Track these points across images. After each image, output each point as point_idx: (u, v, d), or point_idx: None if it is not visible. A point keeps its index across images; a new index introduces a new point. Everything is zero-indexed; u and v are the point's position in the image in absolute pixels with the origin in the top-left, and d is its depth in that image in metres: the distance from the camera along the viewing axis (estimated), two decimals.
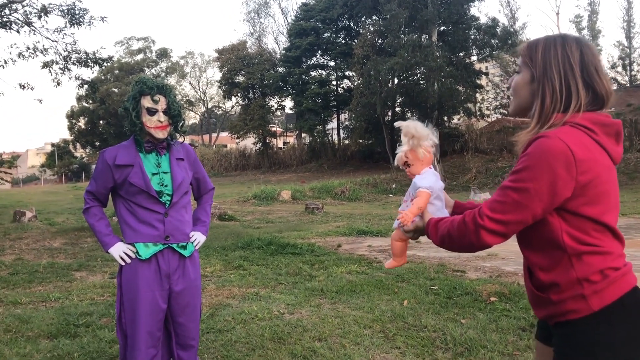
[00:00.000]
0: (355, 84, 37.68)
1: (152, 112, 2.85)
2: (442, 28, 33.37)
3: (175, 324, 2.96)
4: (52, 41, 13.79)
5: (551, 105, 1.54)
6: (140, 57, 56.42)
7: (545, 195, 1.45)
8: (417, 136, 1.90)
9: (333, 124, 45.23)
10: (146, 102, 2.85)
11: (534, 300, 1.63)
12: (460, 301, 5.03)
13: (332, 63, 42.28)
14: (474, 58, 35.84)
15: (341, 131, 43.36)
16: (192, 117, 69.66)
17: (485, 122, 37.39)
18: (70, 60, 13.74)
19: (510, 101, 1.71)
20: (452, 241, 1.63)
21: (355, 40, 36.50)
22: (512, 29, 35.07)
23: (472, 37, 33.45)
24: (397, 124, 1.94)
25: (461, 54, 34.20)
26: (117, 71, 52.38)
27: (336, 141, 43.82)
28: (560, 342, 1.55)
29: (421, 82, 33.06)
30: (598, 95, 1.53)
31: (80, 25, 13.45)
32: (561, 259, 1.51)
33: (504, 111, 38.89)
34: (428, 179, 1.89)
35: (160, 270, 2.85)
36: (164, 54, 57.09)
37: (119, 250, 2.87)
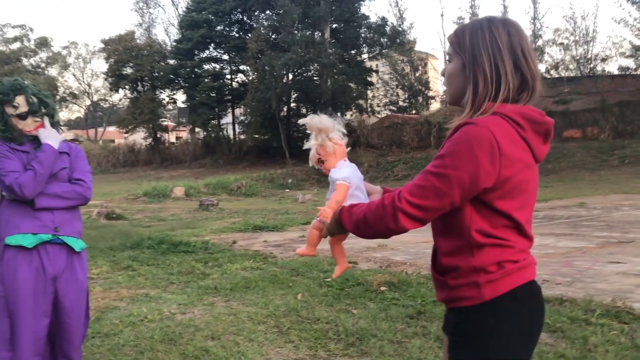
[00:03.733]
0: (250, 78, 37.45)
1: (22, 116, 2.71)
2: (334, 25, 34.08)
3: (61, 329, 2.78)
4: None
5: (484, 91, 1.49)
6: (16, 45, 52.42)
7: (466, 183, 1.41)
8: (323, 129, 1.83)
9: (228, 119, 44.60)
10: (10, 109, 2.70)
11: (435, 282, 1.63)
12: (352, 292, 5.16)
13: (225, 57, 41.67)
14: (365, 56, 36.96)
15: (236, 126, 42.84)
16: (76, 111, 65.75)
17: (376, 118, 38.65)
18: None
19: (445, 90, 1.65)
20: (368, 225, 1.55)
21: (249, 35, 36.22)
22: (400, 29, 36.53)
23: (363, 35, 34.51)
24: (301, 120, 1.85)
25: (353, 52, 35.15)
26: None
27: (231, 136, 43.27)
28: (452, 329, 1.57)
29: (315, 78, 33.58)
30: (525, 79, 1.50)
31: None
32: (463, 247, 1.50)
33: (393, 108, 40.41)
34: (343, 171, 1.81)
35: (44, 271, 2.66)
36: (43, 43, 53.40)
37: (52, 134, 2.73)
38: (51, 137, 2.74)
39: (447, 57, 1.66)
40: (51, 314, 2.75)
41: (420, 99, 38.25)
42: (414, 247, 7.59)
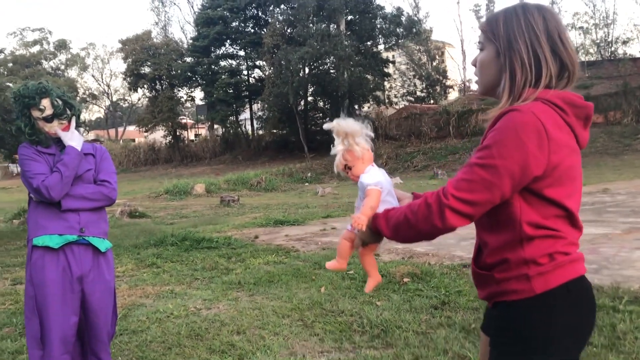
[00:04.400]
0: (267, 73, 37.48)
1: (48, 119, 2.76)
2: (349, 17, 33.91)
3: (89, 328, 2.83)
4: None
5: (522, 78, 1.43)
6: (36, 49, 53.19)
7: (517, 173, 1.34)
8: (350, 133, 1.71)
9: (246, 115, 44.76)
10: (36, 113, 2.74)
11: (476, 278, 1.56)
12: None
13: (242, 53, 41.74)
14: (381, 47, 36.73)
15: (254, 121, 42.98)
16: (96, 111, 66.59)
17: (394, 109, 38.47)
18: None
19: (477, 80, 1.59)
20: (410, 228, 1.47)
21: (265, 30, 36.24)
22: (416, 18, 36.25)
23: (379, 26, 34.27)
24: (326, 125, 1.75)
25: (369, 43, 34.94)
26: (10, 64, 49.06)
27: (250, 132, 43.42)
28: (497, 324, 1.49)
29: (331, 71, 33.47)
30: (564, 65, 1.44)
31: None
32: (512, 241, 1.43)
33: (411, 98, 40.16)
34: (374, 176, 1.71)
35: (71, 271, 2.71)
36: (62, 45, 54.07)
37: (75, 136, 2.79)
38: (74, 139, 2.79)
39: (478, 46, 1.58)
40: (79, 312, 2.80)
41: (438, 88, 37.99)
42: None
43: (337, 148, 1.75)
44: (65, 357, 2.73)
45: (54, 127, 2.77)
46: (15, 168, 52.40)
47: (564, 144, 1.39)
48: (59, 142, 2.83)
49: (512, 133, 1.34)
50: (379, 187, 1.68)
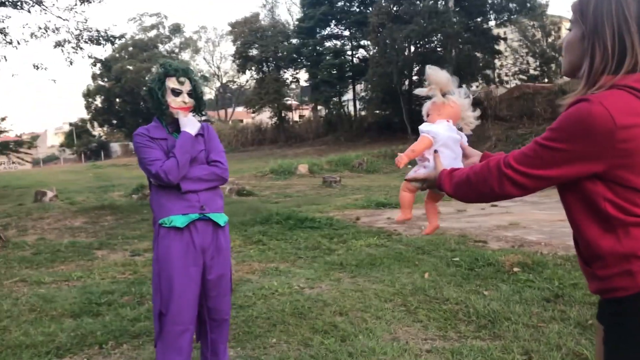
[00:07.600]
0: (371, 53, 37.12)
1: (177, 93, 2.90)
2: None
3: (209, 298, 2.96)
4: (64, 20, 13.81)
5: (601, 64, 1.38)
6: (153, 33, 56.50)
7: (576, 160, 1.34)
8: (435, 83, 1.83)
9: (349, 95, 44.77)
10: (171, 83, 2.90)
11: (584, 273, 1.52)
12: (482, 272, 4.96)
13: (346, 33, 41.65)
14: (492, 23, 34.99)
15: (357, 102, 42.88)
16: (207, 93, 69.67)
17: (505, 88, 36.65)
18: (82, 38, 13.72)
19: (563, 60, 1.57)
20: (470, 187, 1.54)
21: (370, 9, 35.81)
22: None
23: (490, 1, 32.62)
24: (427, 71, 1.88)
25: (479, 20, 33.41)
26: (130, 48, 52.55)
27: (352, 113, 43.43)
28: (609, 322, 1.42)
29: (438, 49, 32.48)
30: None
31: (90, 2, 13.37)
32: (606, 231, 1.37)
33: (524, 77, 38.06)
34: (433, 126, 1.81)
35: (194, 245, 2.84)
36: (177, 29, 57.00)
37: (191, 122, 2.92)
38: (189, 125, 2.91)
39: (569, 25, 1.52)
40: (200, 286, 2.92)
41: (553, 66, 35.65)
42: (549, 225, 7.13)
43: (422, 91, 1.88)
44: (189, 328, 2.86)
45: (177, 102, 2.90)
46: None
47: None
48: (172, 124, 2.94)
49: (576, 121, 1.32)
50: (430, 136, 1.77)
